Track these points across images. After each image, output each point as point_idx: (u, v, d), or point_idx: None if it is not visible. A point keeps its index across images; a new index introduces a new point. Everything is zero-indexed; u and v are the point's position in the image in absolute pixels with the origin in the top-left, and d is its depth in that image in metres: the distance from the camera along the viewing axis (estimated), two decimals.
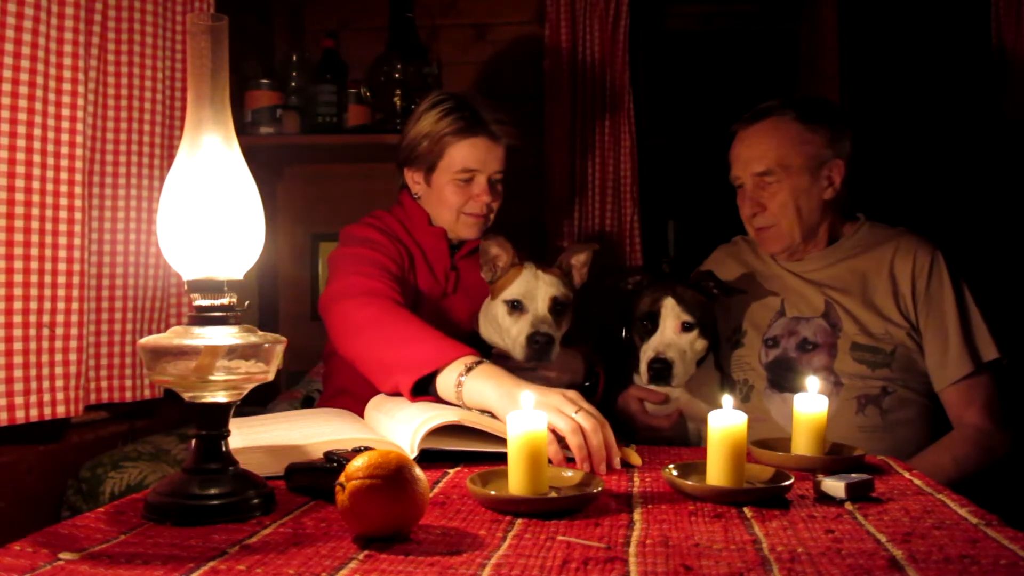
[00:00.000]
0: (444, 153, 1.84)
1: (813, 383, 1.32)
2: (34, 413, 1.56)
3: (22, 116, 1.52)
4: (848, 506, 1.06)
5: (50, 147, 1.58)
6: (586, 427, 1.24)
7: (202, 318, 1.01)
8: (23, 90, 1.52)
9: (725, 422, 1.09)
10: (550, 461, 1.20)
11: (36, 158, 1.55)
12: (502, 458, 1.09)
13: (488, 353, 1.79)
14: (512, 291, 1.75)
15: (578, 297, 1.85)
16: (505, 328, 1.75)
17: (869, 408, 1.73)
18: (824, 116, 1.85)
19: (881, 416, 1.73)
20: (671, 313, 1.75)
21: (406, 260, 1.85)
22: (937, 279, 1.78)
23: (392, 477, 0.90)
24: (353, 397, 1.74)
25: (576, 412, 1.26)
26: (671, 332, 1.75)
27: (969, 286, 1.81)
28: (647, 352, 1.75)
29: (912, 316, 1.78)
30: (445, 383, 1.41)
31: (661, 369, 1.71)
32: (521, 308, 1.74)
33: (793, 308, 1.84)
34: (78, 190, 1.63)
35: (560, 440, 1.27)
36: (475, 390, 1.37)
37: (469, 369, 1.39)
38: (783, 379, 1.80)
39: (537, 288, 1.74)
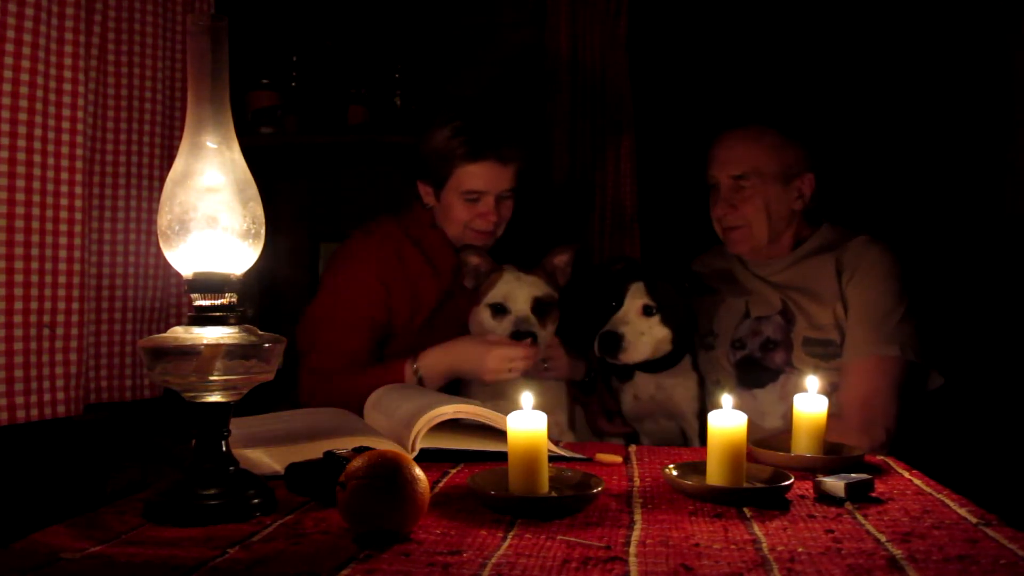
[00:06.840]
0: (453, 173, 1.86)
1: (813, 383, 1.32)
2: (34, 413, 1.56)
3: (22, 116, 1.53)
4: (848, 506, 1.06)
5: (50, 147, 1.58)
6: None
7: (202, 318, 1.01)
8: (23, 90, 1.52)
9: (725, 422, 1.09)
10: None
11: (36, 158, 1.55)
12: (502, 458, 1.09)
13: None
14: (494, 294, 1.81)
15: (564, 296, 1.89)
16: (490, 331, 1.80)
17: (834, 396, 1.74)
18: (803, 131, 1.93)
19: None
20: (636, 294, 1.81)
21: (399, 282, 1.88)
22: (868, 271, 1.81)
23: (392, 477, 0.90)
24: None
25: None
26: (633, 313, 1.80)
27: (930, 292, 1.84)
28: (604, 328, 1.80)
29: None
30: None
31: (609, 342, 1.76)
32: (504, 310, 1.80)
33: (756, 309, 1.91)
34: (78, 190, 1.63)
35: None
36: (430, 365, 1.74)
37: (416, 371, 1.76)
38: (750, 377, 1.87)
39: (519, 290, 1.80)
